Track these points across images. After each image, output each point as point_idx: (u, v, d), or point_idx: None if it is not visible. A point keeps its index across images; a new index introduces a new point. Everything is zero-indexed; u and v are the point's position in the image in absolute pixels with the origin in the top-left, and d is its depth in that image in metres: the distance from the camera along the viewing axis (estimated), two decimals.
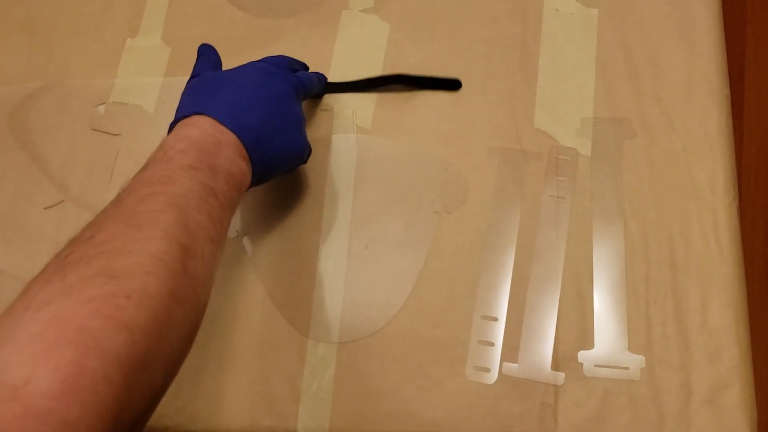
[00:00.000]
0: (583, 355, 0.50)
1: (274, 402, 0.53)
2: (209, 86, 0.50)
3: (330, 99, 0.62)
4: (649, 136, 0.56)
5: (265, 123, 0.49)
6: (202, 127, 0.46)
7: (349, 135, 0.60)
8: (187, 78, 0.64)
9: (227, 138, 0.46)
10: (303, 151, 0.53)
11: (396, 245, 0.56)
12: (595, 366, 0.50)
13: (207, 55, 0.55)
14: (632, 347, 0.50)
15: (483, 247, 0.55)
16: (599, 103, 0.58)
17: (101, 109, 0.65)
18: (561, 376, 0.50)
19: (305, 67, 0.60)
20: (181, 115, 0.48)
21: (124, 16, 0.69)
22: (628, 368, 0.50)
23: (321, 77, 0.61)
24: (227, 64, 0.64)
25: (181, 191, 0.41)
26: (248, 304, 0.56)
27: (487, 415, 0.50)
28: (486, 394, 0.51)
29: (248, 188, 0.49)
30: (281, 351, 0.54)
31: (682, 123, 0.56)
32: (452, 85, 0.61)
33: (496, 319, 0.52)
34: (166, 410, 0.53)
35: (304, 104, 0.62)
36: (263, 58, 0.55)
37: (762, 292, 1.18)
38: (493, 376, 0.51)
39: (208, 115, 0.47)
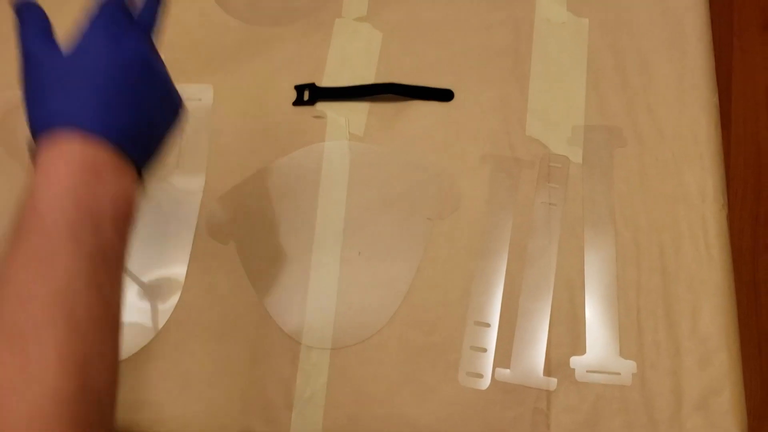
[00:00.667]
0: (575, 361, 0.51)
1: (267, 408, 0.53)
2: (58, 78, 0.40)
3: (323, 106, 0.62)
4: (639, 144, 0.57)
5: (139, 109, 0.41)
6: (74, 151, 0.38)
7: (342, 142, 0.61)
8: (180, 85, 0.64)
9: (103, 156, 0.38)
10: (179, 115, 0.46)
11: (389, 252, 0.56)
12: (587, 371, 0.50)
13: (32, 19, 0.43)
14: (624, 353, 0.51)
15: (476, 253, 0.55)
16: (590, 112, 0.58)
17: None
18: (553, 382, 0.50)
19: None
20: (41, 126, 0.39)
21: None
22: (619, 374, 0.50)
23: None
24: (221, 73, 0.65)
25: (65, 280, 0.35)
26: (241, 310, 0.56)
27: (479, 421, 0.50)
28: (479, 400, 0.51)
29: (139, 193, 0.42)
30: (274, 357, 0.54)
31: (672, 131, 0.57)
32: (444, 95, 0.61)
33: (488, 325, 0.53)
34: (159, 417, 0.53)
35: (296, 112, 0.62)
36: (95, 14, 0.43)
37: (750, 300, 1.19)
38: (485, 382, 0.51)
39: (76, 126, 0.38)
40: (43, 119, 0.40)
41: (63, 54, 0.42)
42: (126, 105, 0.40)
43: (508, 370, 0.51)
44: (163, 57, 0.66)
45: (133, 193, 0.40)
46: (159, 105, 0.43)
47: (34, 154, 0.39)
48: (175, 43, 0.67)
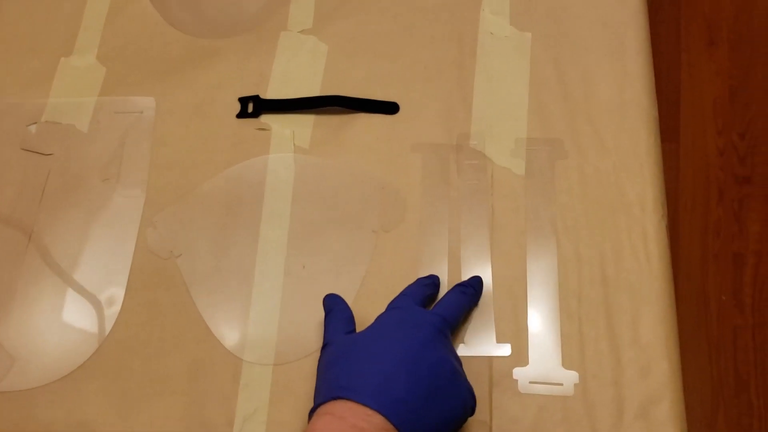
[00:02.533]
0: (518, 372, 0.51)
1: (208, 426, 0.51)
2: (344, 360, 0.45)
3: (268, 119, 0.62)
4: (581, 155, 0.57)
5: (415, 389, 0.43)
6: (342, 416, 0.41)
7: (287, 155, 0.60)
8: (122, 97, 0.64)
9: (372, 425, 0.40)
10: (466, 407, 0.46)
11: (333, 265, 0.56)
12: (530, 382, 0.50)
13: (337, 311, 0.51)
14: (566, 363, 0.51)
15: (420, 266, 0.55)
16: (533, 124, 0.59)
17: (33, 128, 0.64)
18: (497, 393, 0.50)
19: (435, 284, 0.53)
20: (318, 401, 0.43)
21: (58, 35, 0.68)
22: (562, 384, 0.50)
23: (467, 290, 0.52)
24: (163, 86, 0.64)
25: None
26: (181, 325, 0.55)
27: None
28: None
29: None
30: (215, 374, 0.53)
31: (612, 143, 0.58)
32: (390, 108, 0.61)
33: None
34: None
35: (240, 124, 0.62)
36: (392, 305, 0.50)
37: (700, 310, 1.21)
38: None
39: (347, 398, 0.42)
40: (323, 392, 0.44)
41: (357, 338, 0.47)
42: (406, 387, 0.42)
43: None
44: (105, 69, 0.65)
45: None
46: (439, 391, 0.44)
47: (309, 418, 0.43)
48: (117, 54, 0.66)
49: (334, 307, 0.51)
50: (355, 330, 0.49)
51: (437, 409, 0.43)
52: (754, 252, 1.26)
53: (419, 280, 0.53)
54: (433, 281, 0.53)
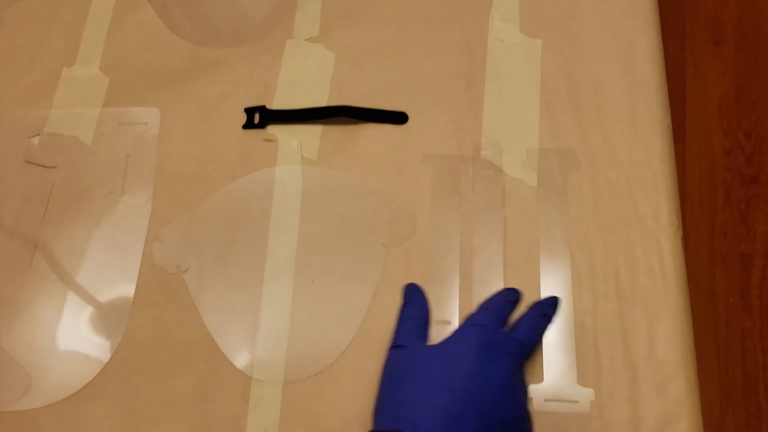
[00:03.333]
0: (532, 389, 0.50)
1: None
2: (415, 381, 0.42)
3: (275, 129, 0.61)
4: (593, 166, 0.56)
5: (482, 427, 0.41)
6: None
7: (294, 166, 0.59)
8: (126, 108, 0.63)
9: None
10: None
11: (343, 279, 0.55)
12: (545, 400, 0.49)
13: (415, 306, 0.48)
14: (581, 380, 0.50)
15: (431, 279, 0.54)
16: (544, 134, 0.58)
17: (36, 140, 0.63)
18: None
19: (515, 298, 0.50)
20: (381, 426, 0.42)
21: (60, 45, 0.67)
22: (577, 401, 0.49)
23: (548, 313, 0.49)
24: (168, 96, 0.63)
25: None
26: (189, 343, 0.54)
27: None
28: None
29: None
30: (224, 392, 0.52)
31: (625, 154, 0.57)
32: (398, 118, 0.60)
33: None
34: None
35: (247, 135, 0.61)
36: (474, 321, 0.46)
37: (708, 313, 1.21)
38: None
39: None
40: (391, 415, 0.42)
41: (432, 354, 0.44)
42: (466, 423, 0.40)
43: None
44: (108, 79, 0.64)
45: None
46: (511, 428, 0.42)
47: None
48: (120, 64, 0.65)
49: (412, 300, 0.49)
50: (427, 335, 0.47)
51: None
52: (761, 253, 1.25)
53: (503, 293, 0.50)
54: (517, 299, 0.50)
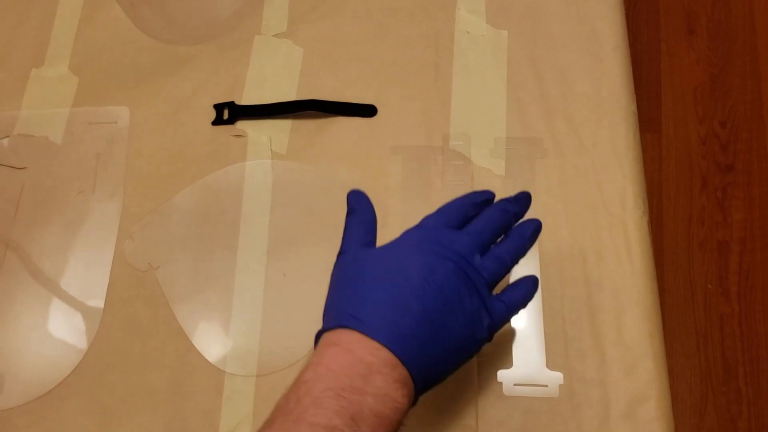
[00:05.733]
0: (502, 375, 0.50)
1: None
2: (356, 280, 0.42)
3: (244, 125, 0.61)
4: (560, 154, 0.57)
5: (427, 326, 0.40)
6: (349, 348, 0.38)
7: (264, 161, 0.59)
8: (95, 108, 0.63)
9: (379, 359, 0.38)
10: (477, 344, 0.43)
11: (315, 273, 0.55)
12: (515, 385, 0.50)
13: (359, 213, 0.46)
14: (550, 364, 0.50)
15: None
16: (511, 123, 0.58)
17: (5, 141, 0.63)
18: (482, 397, 0.50)
19: (480, 199, 0.46)
20: (327, 325, 0.41)
21: (29, 45, 0.67)
22: (547, 386, 0.50)
23: (509, 208, 0.45)
24: (137, 94, 0.63)
25: None
26: (162, 338, 0.54)
27: None
28: (407, 419, 0.50)
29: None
30: (197, 387, 0.52)
31: (591, 140, 0.57)
32: (367, 111, 0.60)
33: None
34: None
35: (216, 131, 0.61)
36: (423, 222, 0.44)
37: (687, 298, 1.22)
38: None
39: (356, 330, 0.39)
40: (332, 316, 0.41)
41: (373, 255, 0.43)
42: (417, 323, 0.39)
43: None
44: (78, 79, 0.64)
45: (402, 403, 0.39)
46: (457, 336, 0.41)
47: (316, 341, 0.41)
48: (89, 64, 0.65)
49: (357, 207, 0.46)
50: (374, 240, 0.45)
51: (447, 346, 0.41)
52: (738, 240, 1.26)
53: (466, 195, 0.46)
54: (483, 199, 0.46)
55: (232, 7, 0.66)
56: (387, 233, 0.55)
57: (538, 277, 0.47)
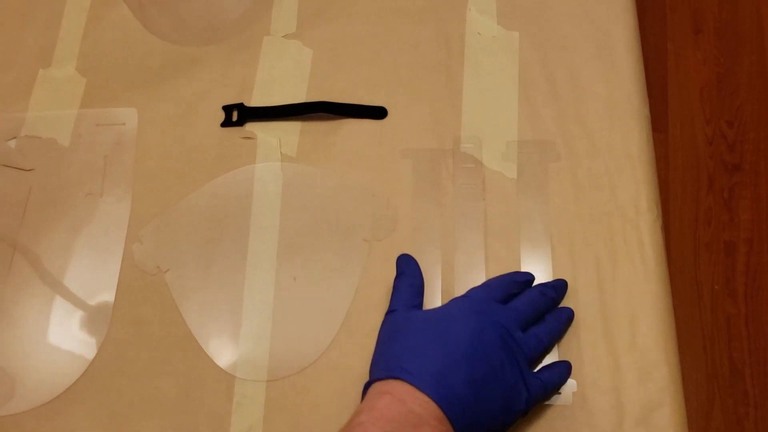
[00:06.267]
0: None
1: None
2: (407, 337, 0.44)
3: (253, 127, 0.60)
4: (572, 157, 0.56)
5: (475, 386, 0.42)
6: (401, 399, 0.41)
7: (273, 163, 0.59)
8: (103, 109, 0.62)
9: (428, 412, 0.40)
10: (518, 411, 0.45)
11: (325, 276, 0.55)
12: None
13: (408, 276, 0.49)
14: None
15: None
16: (523, 126, 0.58)
17: (12, 143, 0.62)
18: None
19: (523, 279, 0.50)
20: (376, 376, 0.43)
21: (36, 46, 0.66)
22: (560, 393, 0.49)
23: (547, 293, 0.50)
24: (145, 96, 0.63)
25: None
26: (171, 343, 0.53)
27: None
28: None
29: None
30: (207, 391, 0.52)
31: (604, 144, 0.57)
32: (377, 113, 0.60)
33: None
34: None
35: (225, 133, 0.60)
36: (470, 292, 0.48)
37: (693, 300, 1.21)
38: None
39: (407, 382, 0.41)
40: (383, 367, 0.43)
41: (424, 315, 0.46)
42: (466, 381, 0.42)
43: None
44: (86, 80, 0.64)
45: None
46: (500, 398, 0.43)
47: (365, 392, 0.44)
48: (97, 65, 0.65)
49: (407, 271, 0.50)
50: (422, 303, 0.49)
51: (487, 411, 0.43)
52: (745, 240, 1.26)
53: (510, 273, 0.51)
54: (525, 279, 0.50)
55: (241, 8, 0.66)
56: (398, 236, 0.55)
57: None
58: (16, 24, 0.68)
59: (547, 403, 0.49)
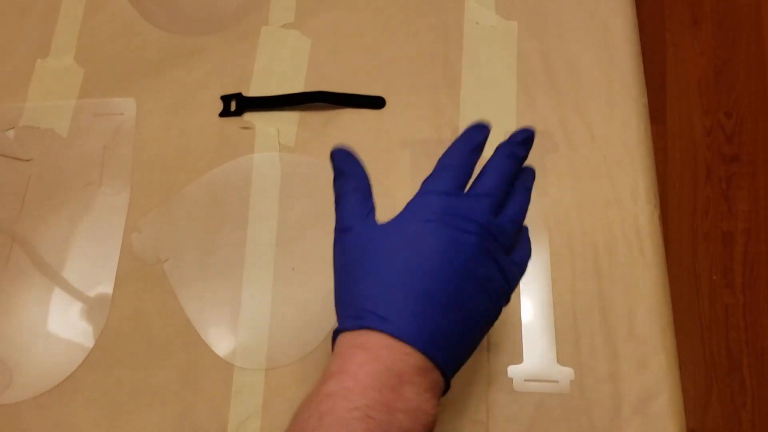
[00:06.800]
0: (512, 370, 0.50)
1: None
2: (375, 268, 0.37)
3: (251, 117, 0.60)
4: (571, 147, 0.56)
5: (457, 315, 0.36)
6: (376, 355, 0.34)
7: (272, 153, 0.59)
8: (102, 99, 0.62)
9: (409, 366, 0.34)
10: (494, 317, 0.39)
11: (323, 266, 0.55)
12: (525, 380, 0.50)
13: (352, 177, 0.40)
14: (561, 359, 0.50)
15: None
16: (522, 116, 0.58)
17: (11, 133, 0.62)
18: (492, 392, 0.50)
19: (479, 139, 0.40)
20: (346, 325, 0.37)
21: (34, 36, 0.66)
22: (557, 381, 0.49)
23: (517, 151, 0.40)
24: (144, 86, 0.62)
25: None
26: (170, 332, 0.54)
27: None
28: None
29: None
30: (207, 381, 0.52)
31: (602, 134, 0.57)
32: (376, 103, 0.60)
33: None
34: None
35: (223, 123, 0.60)
36: (428, 187, 0.39)
37: (691, 290, 1.22)
38: None
39: (383, 331, 0.35)
40: (355, 311, 0.36)
41: (386, 233, 0.37)
42: (447, 314, 0.35)
43: None
44: (84, 71, 0.64)
45: (432, 413, 0.35)
46: (477, 312, 0.37)
47: (334, 339, 0.37)
48: (95, 55, 0.65)
49: (347, 170, 0.40)
50: (373, 207, 0.40)
51: (473, 327, 0.37)
52: (743, 230, 1.26)
53: (463, 139, 0.40)
54: (481, 140, 0.40)
55: None
56: None
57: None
58: (14, 14, 0.67)
59: (544, 391, 0.49)
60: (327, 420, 0.33)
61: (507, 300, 0.39)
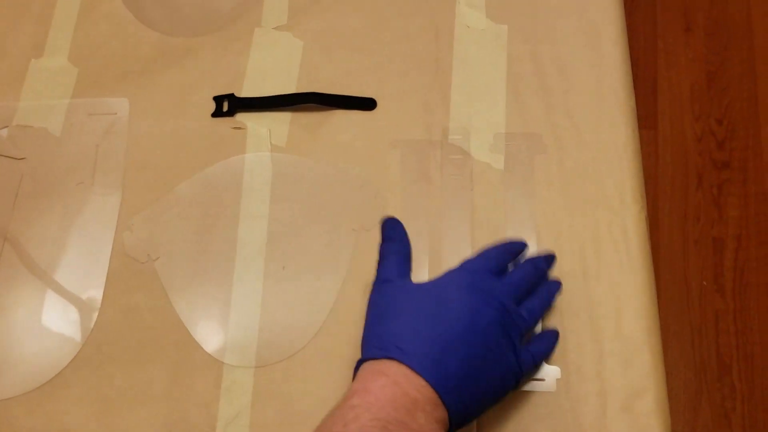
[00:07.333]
0: None
1: (190, 431, 0.51)
2: (405, 313, 0.43)
3: (243, 117, 0.61)
4: (559, 149, 0.57)
5: (469, 368, 0.42)
6: (396, 381, 0.40)
7: (263, 154, 0.59)
8: (95, 99, 0.63)
9: (424, 397, 0.40)
10: (510, 386, 0.45)
11: (314, 265, 0.55)
12: None
13: (397, 242, 0.48)
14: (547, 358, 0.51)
15: None
16: (511, 118, 0.59)
17: (4, 132, 0.63)
18: None
19: (517, 249, 0.49)
20: (370, 354, 0.42)
21: (28, 36, 0.67)
22: (544, 380, 0.50)
23: (540, 265, 0.49)
24: (137, 86, 0.63)
25: None
26: (160, 330, 0.54)
27: None
28: None
29: None
30: (196, 378, 0.52)
31: (591, 136, 0.57)
32: (367, 104, 0.60)
33: None
34: None
35: (216, 123, 0.61)
36: (466, 265, 0.46)
37: (681, 296, 1.22)
38: None
39: (404, 363, 0.40)
40: (376, 346, 0.42)
41: (419, 290, 0.45)
42: (461, 364, 0.41)
43: None
44: (77, 70, 0.64)
45: None
46: (488, 376, 0.43)
47: (356, 369, 0.43)
48: (89, 55, 0.65)
49: (393, 236, 0.48)
50: (410, 271, 0.48)
51: (482, 392, 0.43)
52: (733, 236, 1.27)
53: (504, 243, 0.49)
54: (520, 249, 0.49)
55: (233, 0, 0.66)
56: None
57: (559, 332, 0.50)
58: (8, 14, 0.68)
59: (530, 389, 0.50)
60: (351, 427, 0.38)
61: (516, 384, 0.45)
